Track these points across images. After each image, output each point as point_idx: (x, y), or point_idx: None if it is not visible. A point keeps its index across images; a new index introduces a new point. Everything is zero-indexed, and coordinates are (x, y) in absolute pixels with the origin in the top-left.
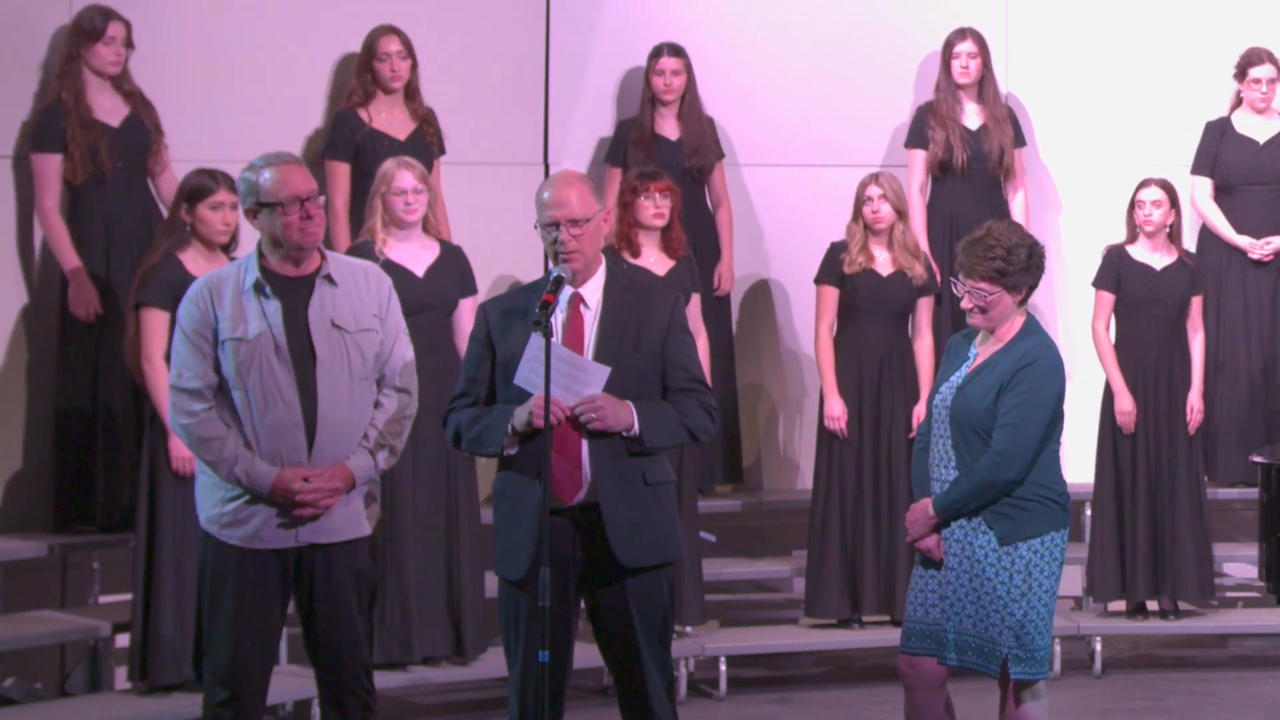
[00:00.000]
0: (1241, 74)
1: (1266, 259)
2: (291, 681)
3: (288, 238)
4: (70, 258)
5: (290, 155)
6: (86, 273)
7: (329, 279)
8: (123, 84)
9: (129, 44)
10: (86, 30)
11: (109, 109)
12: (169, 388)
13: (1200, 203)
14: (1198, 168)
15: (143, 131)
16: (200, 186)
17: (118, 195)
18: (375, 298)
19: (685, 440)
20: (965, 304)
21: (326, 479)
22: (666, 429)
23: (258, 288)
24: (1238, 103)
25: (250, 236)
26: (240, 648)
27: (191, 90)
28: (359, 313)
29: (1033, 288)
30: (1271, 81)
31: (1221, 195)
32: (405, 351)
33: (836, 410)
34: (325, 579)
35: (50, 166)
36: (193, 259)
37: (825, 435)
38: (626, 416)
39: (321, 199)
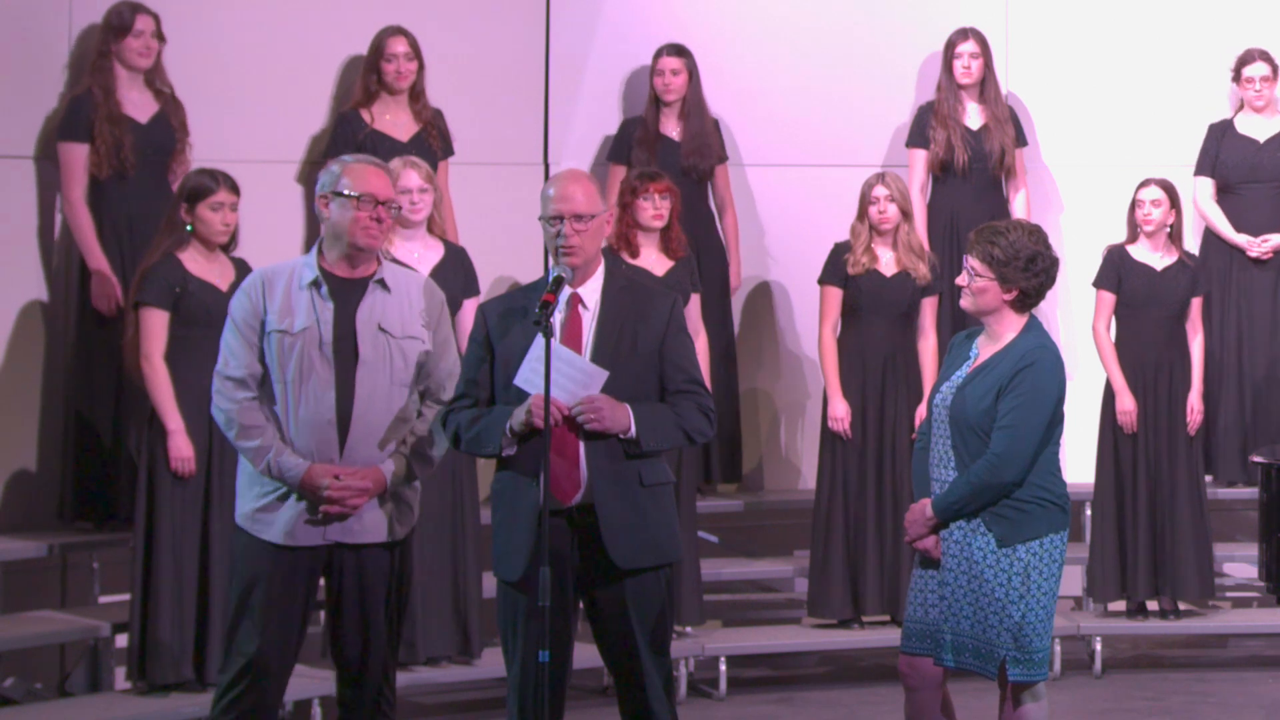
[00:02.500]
0: (1237, 74)
1: (1265, 256)
2: (292, 681)
3: (351, 233)
4: (95, 252)
5: (380, 161)
6: (109, 268)
7: (382, 284)
8: (154, 80)
9: (159, 36)
10: (115, 25)
11: (138, 104)
12: (215, 374)
13: (1202, 203)
14: (1200, 169)
15: (169, 130)
16: (200, 186)
17: (141, 192)
18: (427, 309)
19: (682, 442)
20: (959, 280)
21: (357, 478)
22: (663, 431)
23: (315, 284)
24: (1240, 105)
25: (248, 238)
26: (263, 646)
27: (195, 90)
28: (407, 320)
29: (1027, 294)
30: (1266, 79)
31: (1222, 194)
32: (454, 366)
33: (840, 411)
34: (354, 579)
35: (78, 156)
36: (192, 259)
37: (829, 436)
38: (624, 418)
39: (396, 210)
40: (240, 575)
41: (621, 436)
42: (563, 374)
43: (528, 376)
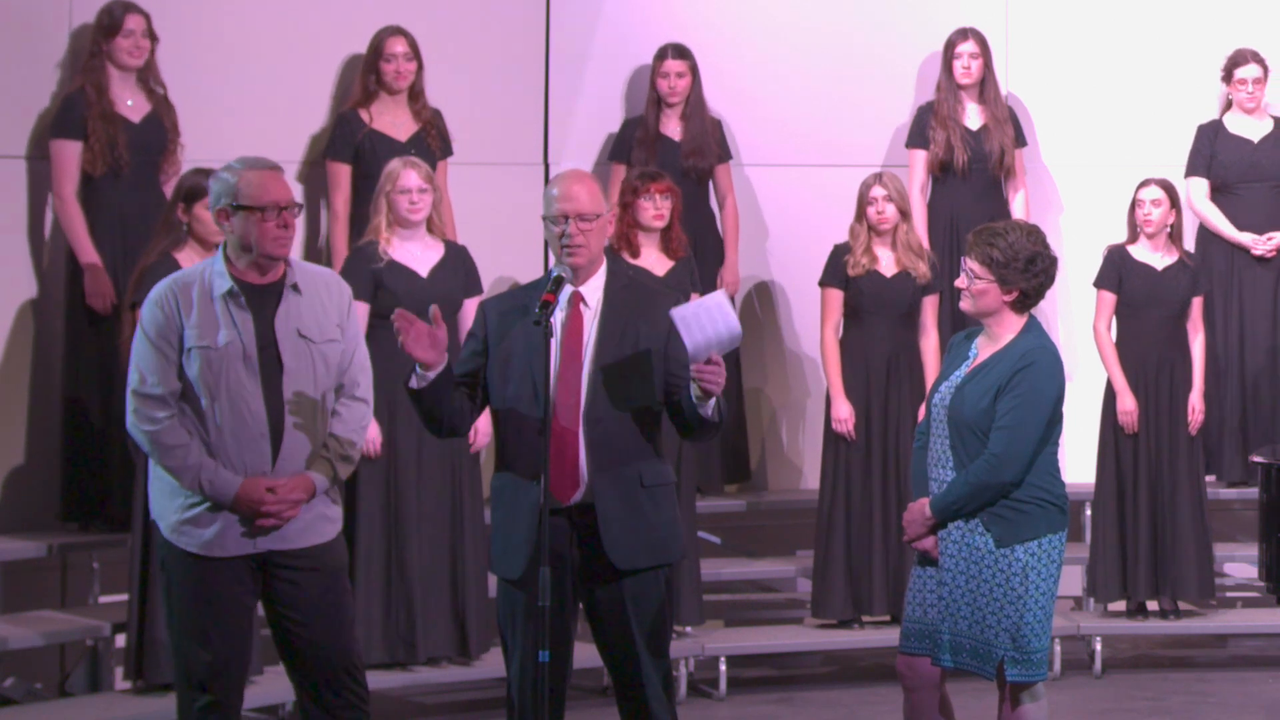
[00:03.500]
0: (1228, 75)
1: (1270, 254)
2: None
3: (261, 245)
4: (87, 247)
5: (271, 162)
6: (102, 265)
7: (295, 288)
8: (147, 80)
9: (150, 36)
10: (106, 24)
11: (132, 104)
12: (129, 392)
13: (1198, 204)
14: (1193, 169)
15: (161, 130)
16: (197, 186)
17: (133, 191)
18: (337, 307)
19: (714, 433)
20: (958, 283)
21: (290, 489)
22: (726, 414)
23: (231, 295)
24: (1227, 105)
25: None
26: (217, 651)
27: (193, 90)
28: (323, 323)
29: (1027, 294)
30: (1258, 81)
31: (1219, 195)
32: (364, 361)
33: (844, 413)
34: (291, 584)
35: (70, 153)
36: (189, 259)
37: (832, 437)
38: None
39: (298, 210)
40: (176, 591)
41: (699, 402)
42: (716, 323)
43: (685, 315)
